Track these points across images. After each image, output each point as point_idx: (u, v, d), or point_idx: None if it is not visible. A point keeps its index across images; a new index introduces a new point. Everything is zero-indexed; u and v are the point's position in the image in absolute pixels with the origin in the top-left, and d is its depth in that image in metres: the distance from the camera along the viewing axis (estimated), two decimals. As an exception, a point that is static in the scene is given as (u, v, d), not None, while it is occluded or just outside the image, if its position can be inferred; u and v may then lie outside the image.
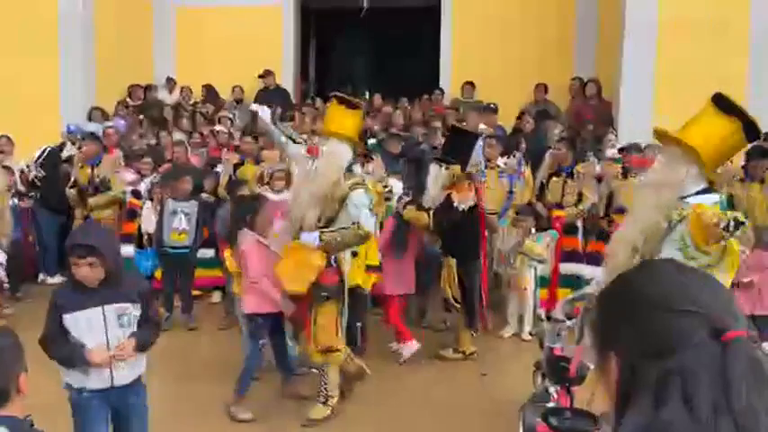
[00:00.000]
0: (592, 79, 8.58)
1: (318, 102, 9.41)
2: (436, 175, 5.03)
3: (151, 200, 6.15)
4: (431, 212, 4.98)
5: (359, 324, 4.75)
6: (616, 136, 7.14)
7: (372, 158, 6.27)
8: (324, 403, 4.07)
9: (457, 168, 4.98)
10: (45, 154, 7.31)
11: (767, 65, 7.03)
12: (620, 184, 5.91)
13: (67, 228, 6.85)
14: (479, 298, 5.08)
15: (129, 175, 6.64)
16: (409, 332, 5.16)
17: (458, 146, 5.18)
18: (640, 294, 0.96)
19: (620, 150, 6.29)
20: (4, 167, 6.67)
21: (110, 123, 8.21)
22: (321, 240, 3.86)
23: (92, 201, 6.55)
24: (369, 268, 4.78)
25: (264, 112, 4.26)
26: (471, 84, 9.07)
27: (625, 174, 5.96)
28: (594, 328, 1.03)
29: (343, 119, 3.94)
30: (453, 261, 5.02)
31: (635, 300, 0.96)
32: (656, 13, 7.32)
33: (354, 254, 4.69)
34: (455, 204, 4.94)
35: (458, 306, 5.08)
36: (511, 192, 6.24)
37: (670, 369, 0.89)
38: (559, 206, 5.97)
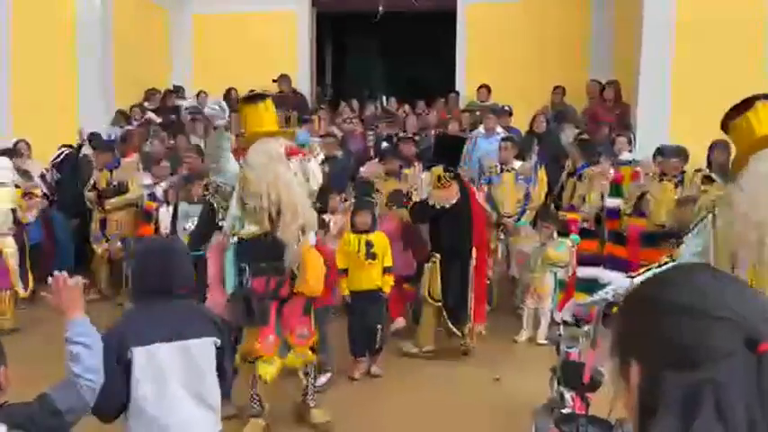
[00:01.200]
0: (611, 81, 8.48)
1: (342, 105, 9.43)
2: (428, 180, 5.31)
3: (167, 203, 6.21)
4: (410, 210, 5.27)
5: (380, 326, 4.84)
6: (630, 139, 7.05)
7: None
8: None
9: (437, 169, 5.19)
10: (62, 156, 7.41)
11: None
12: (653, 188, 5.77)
13: (82, 229, 6.92)
14: (468, 296, 5.12)
15: (147, 179, 6.72)
16: (398, 311, 5.38)
17: (444, 150, 5.54)
18: (670, 299, 0.89)
19: (657, 154, 6.10)
20: (24, 171, 6.77)
21: (130, 127, 8.31)
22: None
23: (109, 203, 6.64)
24: (385, 270, 4.85)
25: (214, 110, 3.77)
26: (487, 87, 9.03)
27: (660, 178, 5.82)
28: (616, 333, 0.95)
29: (262, 116, 3.79)
30: (438, 258, 5.07)
31: (663, 304, 0.89)
32: (675, 14, 7.22)
33: (374, 256, 4.75)
34: (431, 203, 5.11)
35: (436, 303, 5.12)
36: (527, 194, 6.22)
37: (701, 381, 0.82)
38: (571, 208, 5.90)
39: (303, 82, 10.20)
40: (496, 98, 8.92)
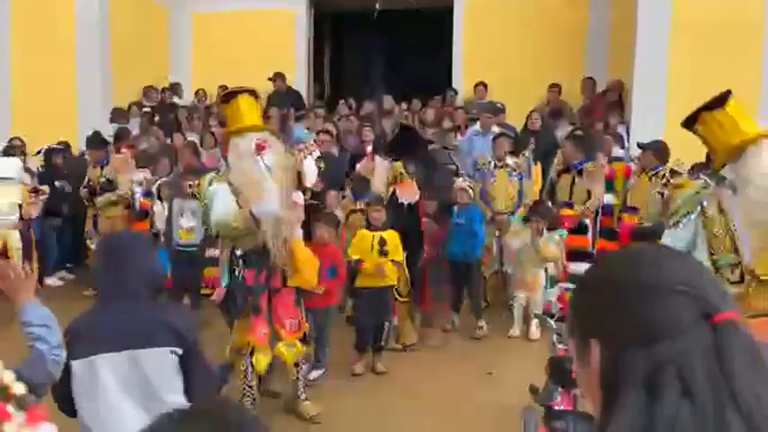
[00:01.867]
0: (613, 83, 8.46)
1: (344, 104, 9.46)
2: (382, 170, 5.43)
3: (160, 200, 6.25)
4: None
5: (388, 323, 4.89)
6: (621, 136, 7.07)
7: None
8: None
9: (399, 165, 5.28)
10: (42, 153, 7.43)
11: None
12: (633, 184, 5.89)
13: (76, 227, 6.97)
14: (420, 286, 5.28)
15: (139, 176, 6.73)
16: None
17: (405, 144, 5.66)
18: (624, 277, 0.89)
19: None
20: (27, 169, 6.81)
21: (125, 125, 8.35)
22: None
23: (97, 201, 6.68)
24: (394, 263, 4.90)
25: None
26: (484, 84, 9.04)
27: (640, 173, 5.92)
28: (574, 313, 0.95)
29: (239, 113, 3.72)
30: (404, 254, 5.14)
31: (619, 282, 0.89)
32: (670, 12, 7.22)
33: (386, 254, 4.81)
34: (400, 200, 5.24)
35: (403, 299, 5.20)
36: (521, 191, 6.25)
37: (662, 358, 0.82)
38: (568, 204, 5.93)
39: (301, 80, 10.23)
40: (493, 95, 8.94)
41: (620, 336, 0.86)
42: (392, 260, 4.87)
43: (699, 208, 3.09)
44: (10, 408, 0.82)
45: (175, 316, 2.31)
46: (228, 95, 3.77)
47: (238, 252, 3.77)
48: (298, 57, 10.37)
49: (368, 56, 13.08)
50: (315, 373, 4.65)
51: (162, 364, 2.14)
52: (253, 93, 3.83)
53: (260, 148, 3.63)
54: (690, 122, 3.09)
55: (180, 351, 2.17)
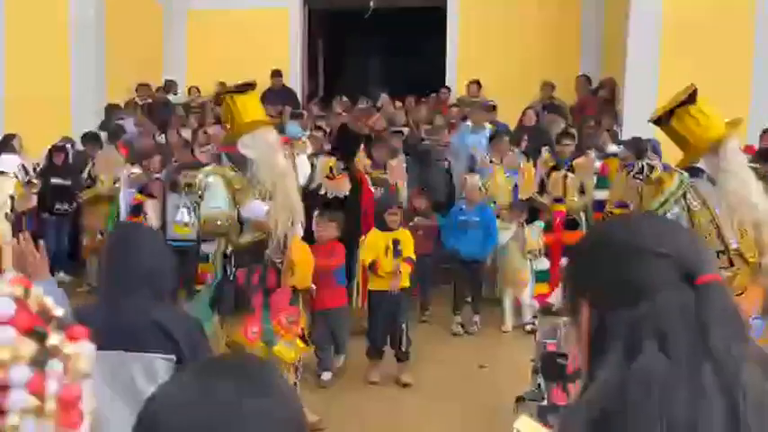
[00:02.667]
0: (605, 80, 8.52)
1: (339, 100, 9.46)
2: (322, 167, 5.73)
3: (151, 196, 6.24)
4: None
5: (405, 326, 4.72)
6: (616, 133, 7.13)
7: None
8: None
9: (331, 160, 5.66)
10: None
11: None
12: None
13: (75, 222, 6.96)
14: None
15: (125, 173, 6.71)
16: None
17: (344, 142, 6.06)
18: (611, 240, 0.94)
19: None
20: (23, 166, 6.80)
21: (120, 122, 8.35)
22: None
23: (80, 196, 6.71)
24: (405, 259, 4.83)
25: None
26: (477, 82, 9.08)
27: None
28: (567, 276, 1.00)
29: (256, 106, 3.61)
30: None
31: (606, 245, 0.94)
32: (661, 10, 7.27)
33: (400, 254, 4.80)
34: (322, 192, 5.55)
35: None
36: (516, 187, 6.29)
37: (642, 315, 0.85)
38: (559, 200, 5.97)
39: (295, 78, 10.25)
40: (487, 93, 8.98)
41: (606, 296, 0.90)
42: (406, 258, 4.79)
43: (683, 201, 3.24)
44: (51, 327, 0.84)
45: (175, 320, 2.11)
46: (247, 86, 3.59)
47: (228, 249, 3.62)
48: (291, 55, 10.39)
49: (362, 54, 13.10)
50: (326, 375, 4.63)
51: (151, 369, 2.01)
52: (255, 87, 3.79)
53: (285, 142, 3.70)
54: (661, 119, 3.22)
55: (173, 358, 2.03)
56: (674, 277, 0.86)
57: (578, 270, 0.98)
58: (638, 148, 5.94)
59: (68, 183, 7.17)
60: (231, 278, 3.63)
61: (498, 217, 6.06)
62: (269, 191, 3.52)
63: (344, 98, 9.46)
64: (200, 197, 3.62)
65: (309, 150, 6.03)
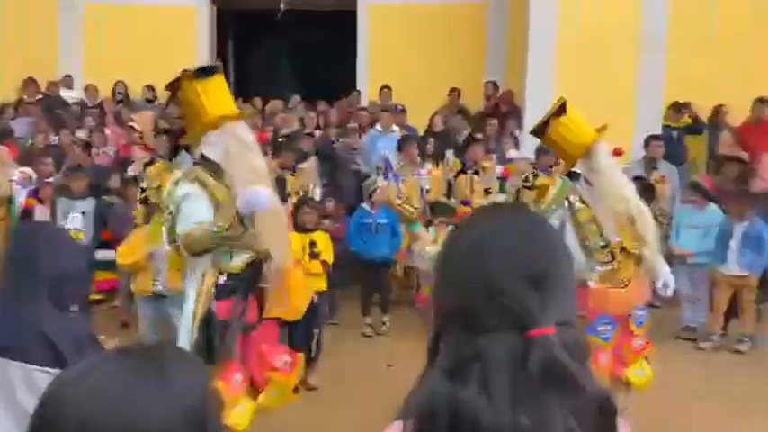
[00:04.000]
0: (504, 94, 8.89)
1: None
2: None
3: (39, 200, 5.87)
4: None
5: (317, 331, 4.52)
6: (516, 138, 7.46)
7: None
8: None
9: (161, 164, 5.39)
10: None
11: (655, 75, 7.48)
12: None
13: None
14: None
15: (17, 174, 6.28)
16: None
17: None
18: (459, 267, 0.93)
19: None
20: None
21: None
22: None
23: None
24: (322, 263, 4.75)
25: None
26: (388, 87, 9.21)
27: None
28: (435, 266, 1.00)
29: (227, 95, 2.96)
30: None
31: (462, 266, 0.92)
32: (557, 24, 7.68)
33: (317, 256, 4.69)
34: None
35: None
36: (422, 190, 6.43)
37: (474, 349, 0.85)
38: (465, 203, 6.16)
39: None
40: (397, 98, 9.11)
41: (449, 310, 0.91)
42: (322, 260, 4.72)
43: (566, 203, 3.50)
44: None
45: (63, 331, 1.93)
46: (206, 71, 2.91)
47: (222, 279, 2.83)
48: (199, 55, 10.08)
49: (273, 56, 12.96)
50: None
51: (31, 381, 1.87)
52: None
53: (262, 140, 3.24)
54: (538, 131, 3.54)
55: (57, 371, 1.85)
56: (508, 323, 0.86)
57: (442, 270, 0.97)
58: (537, 154, 6.24)
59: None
60: (210, 315, 2.84)
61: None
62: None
63: (258, 99, 9.34)
64: (170, 214, 2.85)
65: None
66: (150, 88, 9.28)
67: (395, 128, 7.67)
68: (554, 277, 0.89)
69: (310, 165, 6.47)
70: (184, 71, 2.88)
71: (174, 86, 2.92)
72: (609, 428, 0.87)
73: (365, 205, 5.93)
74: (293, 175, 6.09)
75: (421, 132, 8.04)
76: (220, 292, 2.83)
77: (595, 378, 0.88)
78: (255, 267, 2.86)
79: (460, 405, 0.83)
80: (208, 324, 2.79)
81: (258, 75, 12.55)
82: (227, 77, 10.46)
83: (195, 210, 2.76)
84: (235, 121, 2.89)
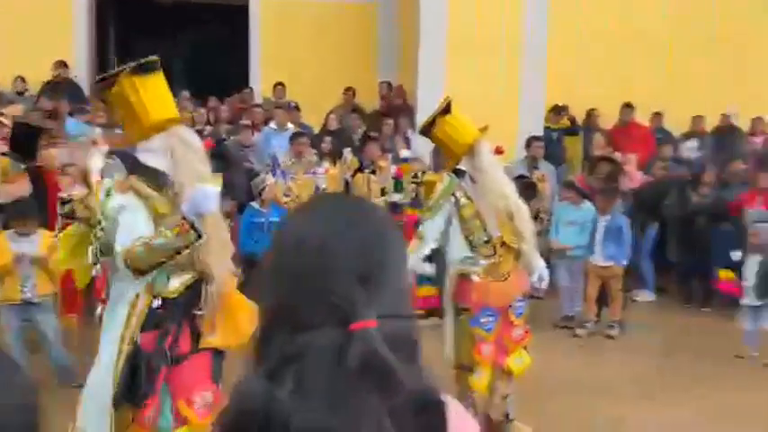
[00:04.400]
0: (396, 87, 9.06)
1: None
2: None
3: None
4: None
5: None
6: (409, 138, 7.63)
7: None
8: None
9: (5, 160, 5.03)
10: None
11: (537, 78, 7.89)
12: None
13: None
14: None
15: None
16: None
17: (19, 141, 5.45)
18: (284, 262, 0.87)
19: None
20: None
21: None
22: None
23: None
24: None
25: None
26: (282, 84, 9.10)
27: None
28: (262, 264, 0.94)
29: (167, 94, 2.64)
30: None
31: (284, 262, 0.87)
32: (447, 25, 7.92)
33: None
34: None
35: None
36: (317, 188, 6.41)
37: (295, 348, 0.80)
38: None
39: (81, 69, 9.35)
40: (292, 95, 9.02)
41: (270, 313, 0.86)
42: None
43: (452, 199, 3.64)
44: None
45: None
46: (145, 67, 2.55)
47: (156, 303, 2.51)
48: (76, 47, 9.46)
49: (160, 50, 12.39)
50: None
51: None
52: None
53: (209, 146, 2.94)
54: (427, 129, 3.67)
55: None
56: (332, 319, 0.81)
57: (268, 261, 0.91)
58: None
59: None
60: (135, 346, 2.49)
61: None
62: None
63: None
64: (102, 229, 2.51)
65: (105, 149, 5.52)
66: (21, 80, 8.63)
67: (290, 125, 7.62)
68: (382, 268, 0.85)
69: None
70: (123, 66, 2.53)
71: (108, 82, 2.56)
72: (435, 426, 0.82)
73: (255, 204, 5.82)
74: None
75: (316, 131, 8.03)
76: (147, 323, 2.50)
77: (426, 375, 0.83)
78: (195, 290, 2.54)
79: (274, 405, 0.78)
80: (135, 356, 2.46)
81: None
82: (105, 68, 9.94)
83: (132, 223, 2.47)
84: (179, 124, 2.62)
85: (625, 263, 5.95)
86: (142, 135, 2.55)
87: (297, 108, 8.25)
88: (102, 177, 2.69)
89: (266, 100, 9.11)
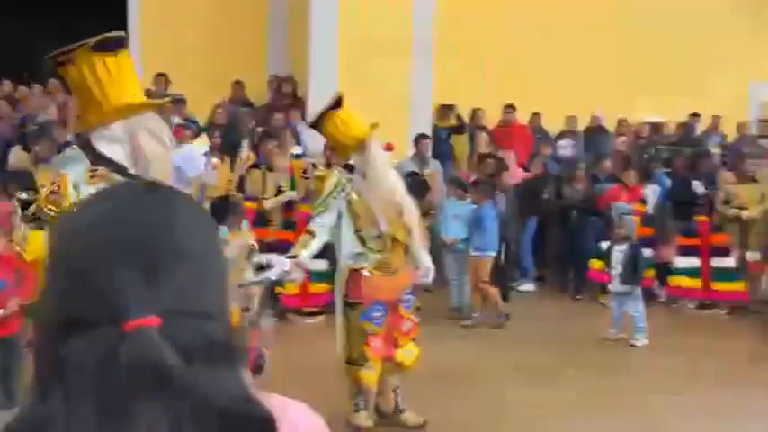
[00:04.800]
0: (285, 78, 8.95)
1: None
2: None
3: None
4: None
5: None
6: (298, 134, 7.59)
7: None
8: None
9: None
10: None
11: (425, 78, 8.12)
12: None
13: None
14: None
15: None
16: None
17: None
18: (57, 252, 0.78)
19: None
20: None
21: None
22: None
23: None
24: None
25: None
26: (164, 75, 8.67)
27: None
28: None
29: (130, 75, 2.27)
30: None
31: (59, 260, 0.77)
32: (338, 22, 7.93)
33: None
34: None
35: None
36: (202, 186, 6.18)
37: (61, 356, 0.71)
38: (249, 198, 6.08)
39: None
40: (176, 88, 8.62)
41: (46, 317, 0.76)
42: None
43: (343, 194, 3.67)
44: None
45: None
46: (110, 43, 2.21)
47: None
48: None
49: (33, 38, 11.46)
50: None
51: None
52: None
53: (179, 136, 2.52)
54: (317, 123, 3.72)
55: None
56: (101, 316, 0.71)
57: (48, 261, 0.80)
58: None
59: None
60: None
61: None
62: None
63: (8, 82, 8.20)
64: None
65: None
66: None
67: (176, 120, 7.28)
68: (175, 260, 0.75)
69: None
70: (83, 42, 2.16)
71: (64, 58, 2.20)
72: None
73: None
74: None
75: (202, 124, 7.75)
76: None
77: (244, 384, 0.74)
78: None
79: (42, 422, 0.69)
80: None
81: (13, 57, 11.03)
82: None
83: None
84: (146, 111, 2.24)
85: (491, 253, 6.13)
86: (99, 121, 2.21)
87: (182, 101, 7.91)
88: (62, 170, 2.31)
89: (149, 91, 8.64)
